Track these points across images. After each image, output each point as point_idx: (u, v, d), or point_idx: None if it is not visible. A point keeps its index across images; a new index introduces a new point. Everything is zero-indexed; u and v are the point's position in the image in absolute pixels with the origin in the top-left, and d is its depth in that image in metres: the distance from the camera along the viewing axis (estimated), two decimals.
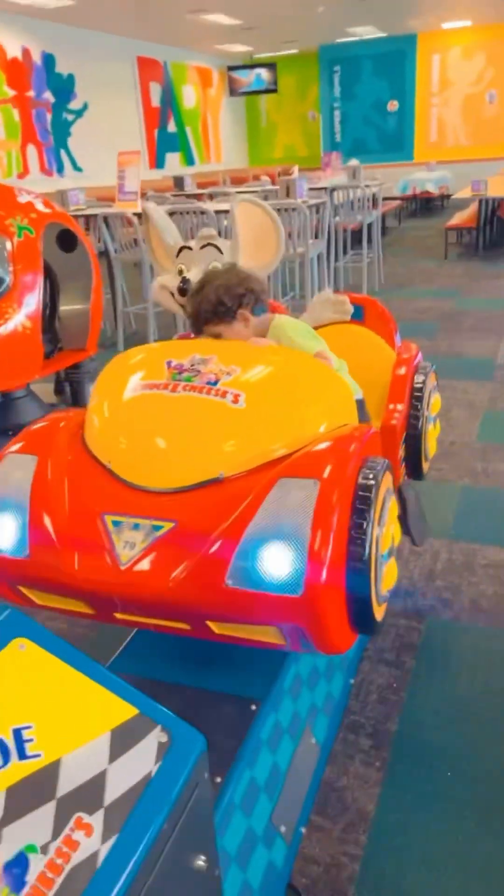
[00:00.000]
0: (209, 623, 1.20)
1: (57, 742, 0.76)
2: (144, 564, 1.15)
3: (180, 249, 1.71)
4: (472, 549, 2.35)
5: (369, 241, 6.37)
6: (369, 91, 14.07)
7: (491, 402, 3.63)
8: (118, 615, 1.27)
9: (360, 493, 1.16)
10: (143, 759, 0.79)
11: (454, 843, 1.40)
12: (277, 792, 1.31)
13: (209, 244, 1.68)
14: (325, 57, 14.10)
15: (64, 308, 3.51)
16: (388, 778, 1.54)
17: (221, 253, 1.69)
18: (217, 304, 1.50)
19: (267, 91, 14.14)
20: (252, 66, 13.87)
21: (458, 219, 8.19)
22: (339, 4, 10.07)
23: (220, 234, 4.92)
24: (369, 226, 6.33)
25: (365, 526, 1.14)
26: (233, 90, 14.03)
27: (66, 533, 1.22)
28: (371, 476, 1.18)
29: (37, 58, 9.48)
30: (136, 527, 1.19)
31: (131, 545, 1.17)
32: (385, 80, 13.91)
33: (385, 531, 1.23)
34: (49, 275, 3.28)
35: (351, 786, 1.53)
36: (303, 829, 1.39)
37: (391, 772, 1.56)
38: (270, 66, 13.81)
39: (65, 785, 0.73)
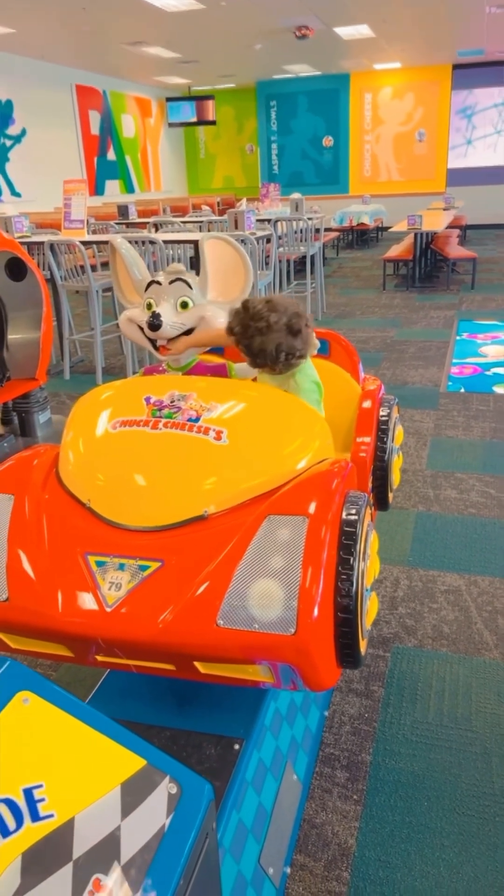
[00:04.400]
0: (196, 663, 1.18)
1: (69, 800, 0.73)
2: (132, 606, 1.13)
3: (149, 284, 1.71)
4: (430, 575, 2.41)
5: (312, 271, 6.52)
6: (305, 126, 14.51)
7: (437, 430, 3.75)
8: (99, 657, 1.23)
9: (346, 528, 1.17)
10: (155, 813, 0.77)
11: (436, 873, 1.41)
12: (264, 833, 1.29)
13: (179, 279, 1.69)
14: (263, 92, 14.48)
15: (12, 337, 3.44)
16: (367, 811, 1.54)
17: (191, 288, 1.69)
18: (292, 351, 1.47)
19: (205, 123, 14.38)
20: (190, 98, 14.09)
21: (394, 251, 8.48)
22: (276, 43, 10.39)
23: (170, 262, 4.90)
24: (312, 256, 6.48)
25: (352, 561, 1.15)
26: (172, 121, 14.20)
27: (48, 574, 1.19)
28: (354, 511, 1.20)
29: None
30: (121, 567, 1.17)
31: (117, 586, 1.15)
32: (320, 117, 14.39)
33: (368, 564, 1.25)
34: None
35: (330, 821, 1.52)
36: (287, 870, 1.37)
37: (369, 804, 1.56)
38: (208, 98, 14.07)
39: (80, 845, 0.71)
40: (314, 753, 1.63)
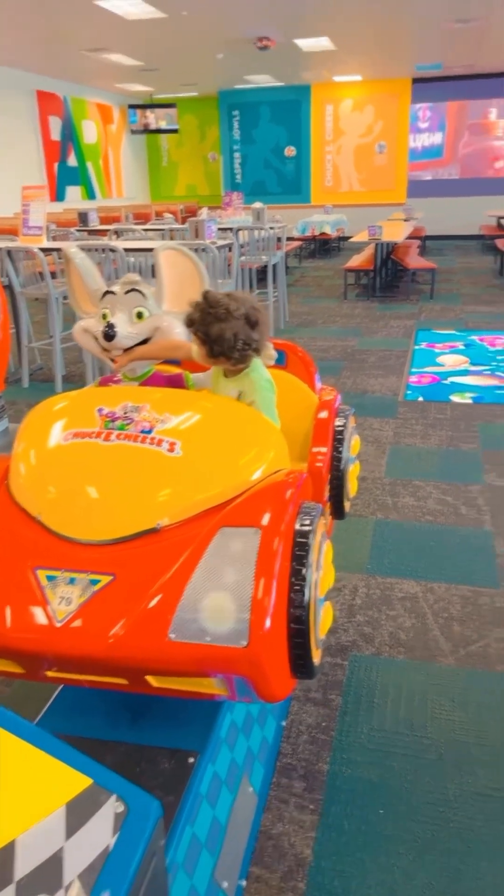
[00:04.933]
0: (148, 677, 1.17)
1: (11, 821, 0.72)
2: (82, 621, 1.11)
3: (104, 294, 1.70)
4: (388, 582, 2.43)
5: (274, 280, 6.56)
6: (268, 136, 14.62)
7: (396, 438, 3.80)
8: (50, 673, 1.22)
9: (299, 539, 1.18)
10: (100, 833, 0.76)
11: (391, 880, 1.42)
12: (219, 847, 1.28)
13: (134, 289, 1.68)
14: (225, 101, 14.56)
15: None
16: (323, 820, 1.55)
17: (146, 298, 1.69)
18: (250, 341, 1.49)
19: (168, 131, 14.38)
20: (153, 106, 14.07)
21: (355, 261, 8.58)
22: (237, 53, 10.45)
23: (130, 271, 4.89)
24: (274, 266, 6.52)
25: (304, 572, 1.16)
26: (133, 128, 14.16)
27: None
28: (308, 522, 1.21)
29: None
30: (71, 581, 1.15)
31: (67, 600, 1.14)
32: (282, 126, 14.51)
33: (322, 574, 1.26)
34: None
35: (287, 832, 1.52)
36: (243, 883, 1.37)
37: (326, 814, 1.56)
38: (171, 106, 14.08)
39: (22, 867, 0.69)
40: (271, 764, 1.63)
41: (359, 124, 14.19)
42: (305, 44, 10.11)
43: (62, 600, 1.14)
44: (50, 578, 1.16)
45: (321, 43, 10.06)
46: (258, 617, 1.08)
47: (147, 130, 14.25)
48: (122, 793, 0.80)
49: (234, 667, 1.09)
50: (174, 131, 14.34)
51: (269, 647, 1.09)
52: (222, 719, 1.40)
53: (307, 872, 1.44)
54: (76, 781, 0.79)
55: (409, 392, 4.54)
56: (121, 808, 0.78)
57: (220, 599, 1.09)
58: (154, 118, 14.00)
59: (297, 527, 1.19)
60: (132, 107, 14.01)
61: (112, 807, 0.78)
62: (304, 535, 1.19)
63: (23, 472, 1.34)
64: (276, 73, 12.68)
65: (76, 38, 9.18)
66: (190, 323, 1.51)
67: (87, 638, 1.11)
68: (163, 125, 14.08)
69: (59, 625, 1.12)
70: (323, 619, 1.27)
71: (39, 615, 1.13)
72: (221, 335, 1.46)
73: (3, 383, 3.47)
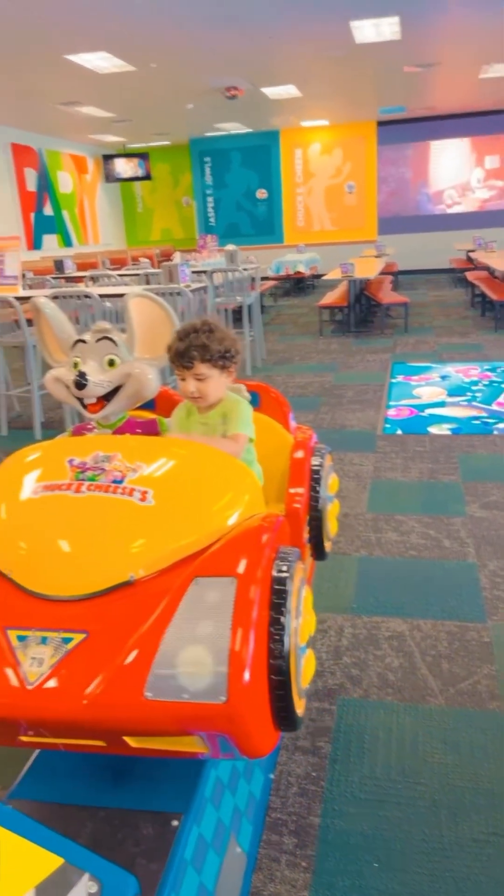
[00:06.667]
0: (126, 738, 1.13)
1: None
2: (55, 682, 1.07)
3: (75, 342, 1.69)
4: (374, 622, 2.40)
5: (250, 319, 6.62)
6: (239, 180, 14.96)
7: (376, 472, 3.80)
8: (25, 738, 1.17)
9: (276, 586, 1.15)
10: None
11: None
12: None
13: (105, 337, 1.67)
14: (196, 148, 14.90)
15: None
16: (316, 878, 1.49)
17: (117, 346, 1.68)
18: (226, 351, 1.56)
19: (141, 179, 14.66)
20: (126, 156, 14.36)
21: (329, 298, 8.71)
22: (207, 103, 10.74)
23: (105, 318, 4.91)
24: (249, 306, 6.59)
25: (283, 620, 1.13)
26: (108, 177, 14.42)
27: None
28: (285, 568, 1.18)
29: None
30: (43, 641, 1.11)
31: (39, 661, 1.09)
32: (253, 171, 14.86)
33: (302, 621, 1.23)
34: None
35: (279, 892, 1.46)
36: None
37: (319, 871, 1.50)
38: (143, 155, 14.38)
39: None
40: (260, 821, 1.57)
41: (328, 166, 14.57)
42: (272, 92, 10.41)
43: (34, 661, 1.09)
44: (21, 639, 1.12)
45: (288, 90, 10.37)
46: (236, 670, 1.04)
47: (121, 179, 14.51)
48: (95, 870, 0.76)
49: (214, 724, 1.05)
50: (147, 178, 14.63)
51: (249, 702, 1.05)
52: (206, 777, 1.35)
53: None
54: (46, 862, 0.74)
55: (387, 426, 4.56)
56: (94, 888, 0.74)
57: (196, 653, 1.06)
58: (128, 167, 14.28)
59: (275, 573, 1.17)
60: (106, 157, 14.29)
61: (85, 886, 0.74)
62: (282, 581, 1.16)
63: None
64: (245, 121, 13.03)
65: (50, 92, 9.39)
66: (169, 348, 1.57)
67: (61, 700, 1.06)
68: (136, 173, 14.37)
69: (30, 687, 1.08)
70: (305, 668, 1.24)
71: (11, 677, 1.09)
72: (207, 345, 1.54)
73: None
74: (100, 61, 7.93)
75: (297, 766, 1.78)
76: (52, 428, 5.00)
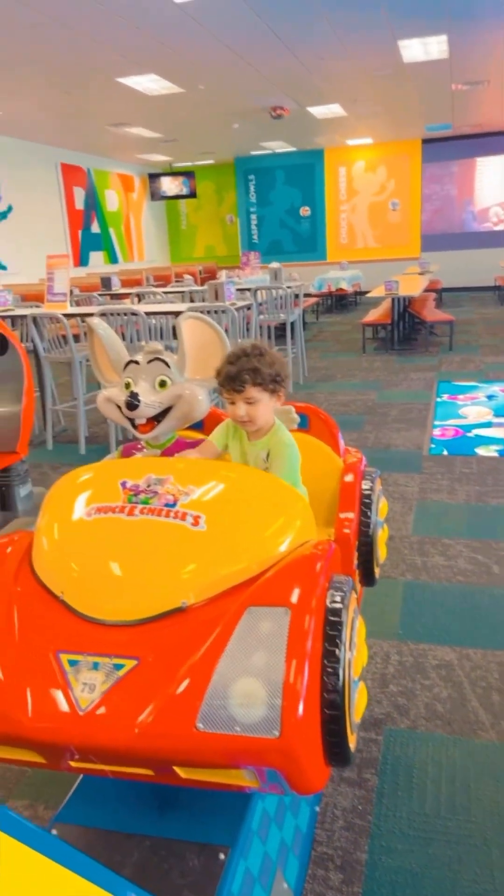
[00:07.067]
0: (175, 768, 1.11)
1: None
2: (106, 709, 1.06)
3: (127, 363, 1.70)
4: (421, 649, 2.34)
5: (292, 337, 6.62)
6: (283, 198, 15.07)
7: (422, 493, 3.73)
8: (73, 763, 1.16)
9: (331, 617, 1.13)
10: None
11: None
12: None
13: (157, 358, 1.68)
14: (241, 167, 15.07)
15: None
16: None
17: (169, 367, 1.68)
18: (276, 375, 1.54)
19: (186, 196, 14.89)
20: (172, 174, 14.62)
21: (373, 315, 8.67)
22: (253, 122, 10.87)
23: (150, 335, 4.96)
24: (292, 323, 6.59)
25: (338, 653, 1.10)
26: (154, 195, 14.68)
27: (17, 675, 1.13)
28: (339, 599, 1.16)
29: None
30: (95, 666, 1.11)
31: (91, 687, 1.09)
32: (297, 189, 14.95)
33: (356, 653, 1.20)
34: None
35: None
36: None
37: None
38: (189, 174, 14.61)
39: None
40: (306, 855, 1.53)
41: (372, 184, 14.58)
42: (318, 111, 10.47)
43: (85, 687, 1.09)
44: (72, 663, 1.12)
45: (333, 110, 10.42)
46: (290, 704, 1.02)
47: (166, 197, 14.76)
48: None
49: (266, 759, 1.02)
50: (192, 196, 14.84)
51: (302, 737, 1.02)
52: (254, 809, 1.32)
53: None
54: (89, 894, 0.73)
55: (433, 446, 4.49)
56: None
57: (249, 685, 1.04)
58: (173, 185, 14.52)
59: (329, 604, 1.14)
60: (152, 176, 14.56)
61: None
62: (336, 612, 1.13)
63: (46, 549, 1.31)
64: (290, 140, 13.13)
65: (100, 114, 9.62)
66: (218, 373, 1.56)
67: (112, 727, 1.05)
68: (181, 191, 14.60)
69: (82, 713, 1.07)
70: (358, 702, 1.20)
71: (62, 703, 1.08)
72: (258, 368, 1.51)
73: (26, 448, 3.49)
74: (149, 83, 8.10)
75: (343, 799, 1.74)
76: (97, 443, 5.06)
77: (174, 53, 7.02)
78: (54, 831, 1.32)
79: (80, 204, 12.57)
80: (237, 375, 1.51)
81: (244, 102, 9.51)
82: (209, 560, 1.21)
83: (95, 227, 13.12)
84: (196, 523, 1.24)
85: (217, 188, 15.81)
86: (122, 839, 1.29)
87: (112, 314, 4.77)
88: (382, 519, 1.90)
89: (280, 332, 7.94)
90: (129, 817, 1.33)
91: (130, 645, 1.12)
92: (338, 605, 1.14)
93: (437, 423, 5.02)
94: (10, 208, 10.58)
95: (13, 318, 5.24)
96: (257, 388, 1.52)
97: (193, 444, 1.74)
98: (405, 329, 8.87)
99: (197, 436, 1.82)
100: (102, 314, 4.52)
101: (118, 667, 1.10)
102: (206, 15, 5.98)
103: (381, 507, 1.88)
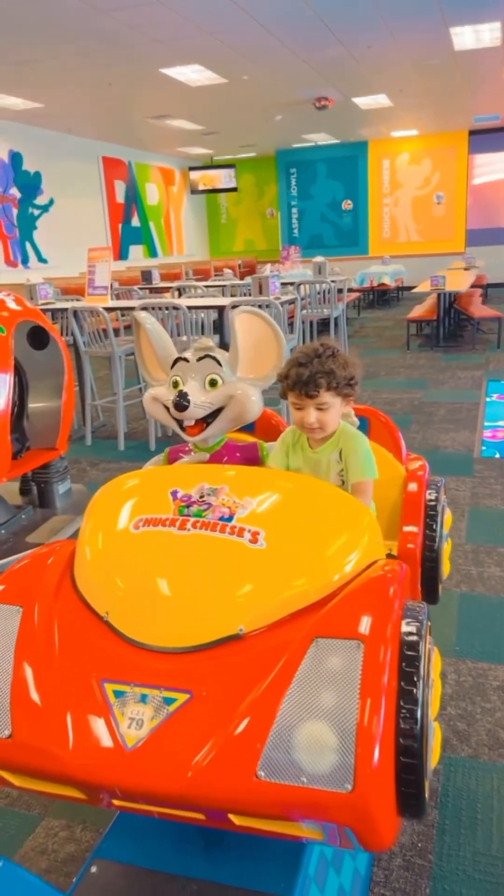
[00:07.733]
0: (230, 816, 0.99)
1: None
2: (156, 749, 0.95)
3: (176, 360, 1.59)
4: (480, 668, 2.18)
5: (336, 332, 6.46)
6: (324, 191, 14.83)
7: (474, 499, 3.55)
8: (116, 802, 1.05)
9: (407, 651, 1.00)
10: None
11: None
12: None
13: (207, 355, 1.56)
14: (282, 160, 14.88)
15: (33, 406, 3.35)
16: None
17: (220, 364, 1.56)
18: (350, 378, 1.42)
19: (227, 190, 14.77)
20: (212, 167, 14.51)
21: (418, 311, 8.44)
22: (296, 113, 10.68)
23: (192, 329, 4.88)
24: (336, 318, 6.43)
25: (415, 692, 0.97)
26: (194, 188, 14.60)
27: (58, 706, 1.02)
28: (415, 630, 1.02)
29: (4, 156, 9.70)
30: (143, 699, 1.00)
31: (138, 723, 0.98)
32: (339, 182, 14.70)
33: (432, 691, 1.07)
34: (18, 373, 3.14)
35: None
36: None
37: None
38: (230, 167, 14.48)
39: None
40: None
41: (416, 177, 14.25)
42: (363, 102, 10.24)
43: (132, 722, 0.98)
44: (118, 694, 1.01)
45: (379, 100, 10.17)
46: (365, 753, 0.89)
47: (207, 190, 14.66)
48: None
49: (336, 815, 0.90)
50: (233, 190, 14.72)
51: (377, 791, 0.90)
52: (310, 853, 1.20)
53: None
54: None
55: (484, 448, 4.30)
56: None
57: (318, 730, 0.91)
58: (214, 178, 14.42)
59: (404, 636, 1.01)
60: (192, 169, 14.47)
61: None
62: (413, 646, 1.00)
63: (89, 563, 1.20)
64: (333, 132, 12.89)
65: (142, 106, 9.56)
66: (282, 377, 1.45)
67: (162, 771, 0.94)
68: (222, 185, 14.49)
69: (128, 751, 0.96)
70: (434, 746, 1.07)
71: (106, 739, 0.97)
72: (332, 371, 1.39)
73: (66, 444, 3.42)
74: (193, 74, 7.99)
75: (401, 835, 1.60)
76: (136, 439, 4.99)
77: (219, 43, 6.89)
78: (94, 868, 1.21)
79: (120, 197, 12.56)
80: (310, 379, 1.37)
81: (288, 93, 9.33)
82: (269, 581, 1.09)
83: (135, 221, 13.10)
84: (255, 540, 1.12)
85: (257, 181, 15.65)
86: (165, 880, 1.18)
87: (153, 308, 4.69)
88: (447, 532, 1.76)
89: (322, 328, 7.78)
90: (173, 856, 1.22)
91: (182, 676, 1.01)
92: (414, 638, 1.01)
93: (487, 424, 4.82)
94: (51, 202, 10.60)
95: (53, 312, 5.19)
96: (331, 392, 1.39)
97: (244, 449, 1.62)
98: (451, 325, 8.62)
99: (248, 438, 1.70)
100: (143, 308, 4.43)
101: (169, 701, 0.98)
102: (253, 3, 5.84)
103: (445, 519, 1.74)
